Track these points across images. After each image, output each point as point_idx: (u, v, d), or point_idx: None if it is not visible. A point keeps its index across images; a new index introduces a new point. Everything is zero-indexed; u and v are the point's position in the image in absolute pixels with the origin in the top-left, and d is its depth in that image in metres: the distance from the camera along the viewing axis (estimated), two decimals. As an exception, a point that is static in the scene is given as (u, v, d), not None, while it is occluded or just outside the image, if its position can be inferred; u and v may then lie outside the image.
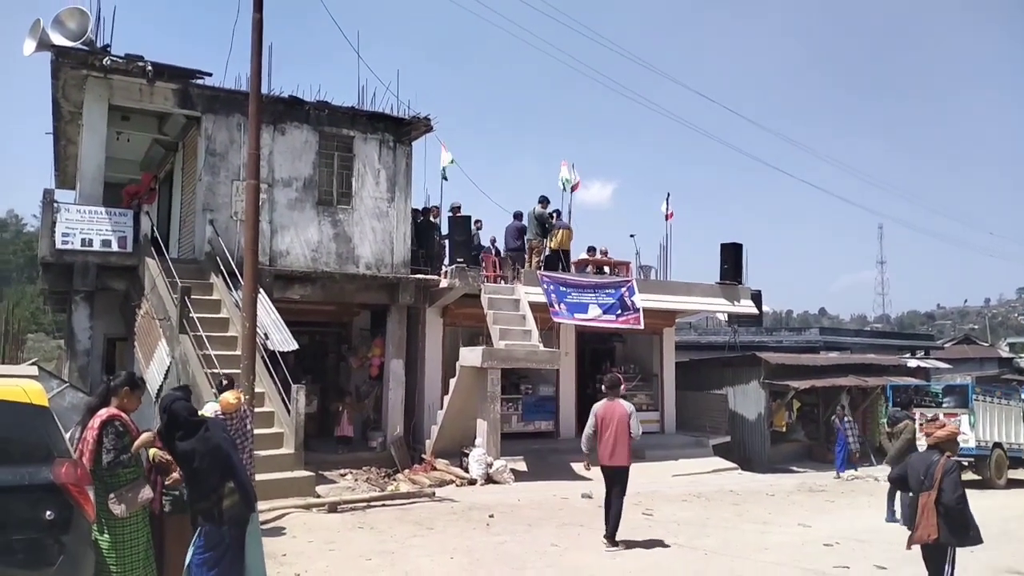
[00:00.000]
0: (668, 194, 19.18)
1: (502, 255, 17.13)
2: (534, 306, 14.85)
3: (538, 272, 15.64)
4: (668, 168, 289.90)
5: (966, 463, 16.33)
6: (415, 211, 16.20)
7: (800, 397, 19.39)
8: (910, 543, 6.12)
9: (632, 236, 19.17)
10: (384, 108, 15.25)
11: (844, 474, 16.80)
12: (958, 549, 5.93)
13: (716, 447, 17.21)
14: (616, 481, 8.51)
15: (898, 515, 11.13)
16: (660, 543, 8.94)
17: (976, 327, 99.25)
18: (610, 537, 8.50)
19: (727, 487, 13.95)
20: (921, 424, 15.29)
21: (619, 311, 15.83)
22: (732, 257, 18.15)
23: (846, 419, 17.38)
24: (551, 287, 15.24)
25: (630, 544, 8.61)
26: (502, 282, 15.90)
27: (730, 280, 17.97)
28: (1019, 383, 37.43)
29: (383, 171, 15.33)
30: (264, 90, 11.71)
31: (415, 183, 15.89)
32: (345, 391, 16.04)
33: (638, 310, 15.86)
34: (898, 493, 11.17)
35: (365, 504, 10.32)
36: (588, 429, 8.68)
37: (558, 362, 14.93)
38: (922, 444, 11.85)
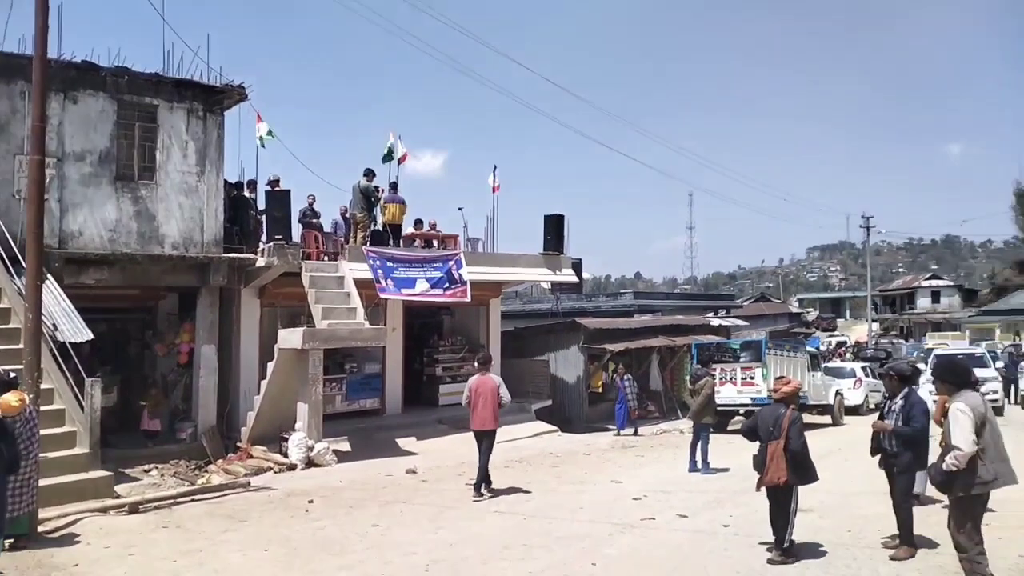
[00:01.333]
0: (495, 167, 19.41)
1: (325, 231, 16.64)
2: (360, 283, 14.56)
3: (363, 248, 15.33)
4: (499, 137, 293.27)
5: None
6: (228, 185, 15.30)
7: (616, 359, 20.47)
8: (759, 485, 6.99)
9: (460, 209, 19.25)
10: (193, 75, 14.20)
11: (624, 432, 17.32)
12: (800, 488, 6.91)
13: (538, 411, 17.87)
14: (485, 441, 10.08)
15: (699, 465, 12.16)
16: (481, 512, 9.20)
17: (771, 285, 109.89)
18: (476, 488, 9.95)
19: (547, 450, 14.55)
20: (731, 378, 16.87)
21: (447, 285, 15.89)
22: (555, 228, 18.72)
23: (626, 377, 17.92)
24: (377, 263, 15.01)
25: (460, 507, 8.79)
26: (325, 258, 15.46)
27: (553, 250, 18.54)
28: (805, 336, 42.08)
29: (192, 143, 14.32)
30: (52, 53, 10.59)
31: (230, 155, 14.99)
32: (150, 381, 14.99)
33: (465, 283, 15.99)
34: (698, 445, 12.23)
35: (172, 501, 9.72)
36: (464, 400, 10.33)
37: (384, 339, 14.79)
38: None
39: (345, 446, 13.74)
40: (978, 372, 11.05)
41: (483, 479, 10.04)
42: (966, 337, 47.94)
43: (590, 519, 8.75)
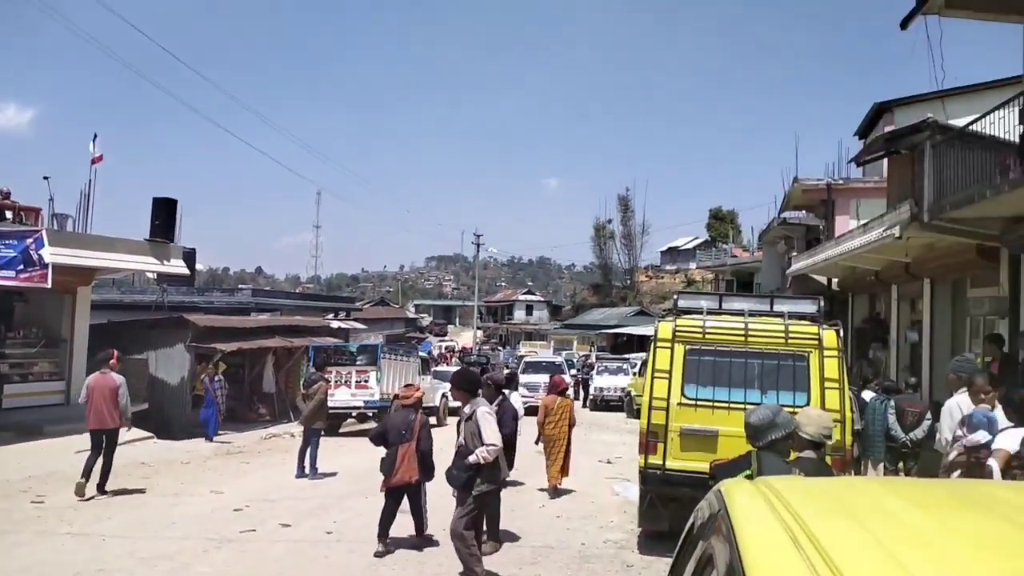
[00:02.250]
0: (95, 135, 16.91)
1: None
2: None
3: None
4: (104, 103, 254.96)
5: (370, 414, 18.52)
6: None
7: (226, 359, 19.31)
8: (387, 486, 7.34)
9: (46, 179, 16.43)
10: None
11: (216, 438, 16.23)
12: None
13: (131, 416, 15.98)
14: (106, 440, 10.06)
15: (307, 470, 11.95)
16: (49, 534, 7.88)
17: (391, 290, 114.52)
18: (100, 487, 9.96)
19: (139, 459, 13.04)
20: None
21: (21, 267, 13.42)
22: (164, 212, 17.06)
23: (216, 378, 16.87)
24: (-79, 232, 12.07)
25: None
26: None
27: (161, 237, 16.83)
28: (419, 340, 44.57)
29: None
30: None
31: None
32: None
33: (47, 266, 13.65)
34: (308, 450, 12.05)
35: None
36: (81, 397, 10.16)
37: (-76, 327, 11.95)
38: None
39: None
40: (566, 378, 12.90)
41: (105, 479, 10.10)
42: (551, 346, 55.16)
43: (182, 535, 8.04)
